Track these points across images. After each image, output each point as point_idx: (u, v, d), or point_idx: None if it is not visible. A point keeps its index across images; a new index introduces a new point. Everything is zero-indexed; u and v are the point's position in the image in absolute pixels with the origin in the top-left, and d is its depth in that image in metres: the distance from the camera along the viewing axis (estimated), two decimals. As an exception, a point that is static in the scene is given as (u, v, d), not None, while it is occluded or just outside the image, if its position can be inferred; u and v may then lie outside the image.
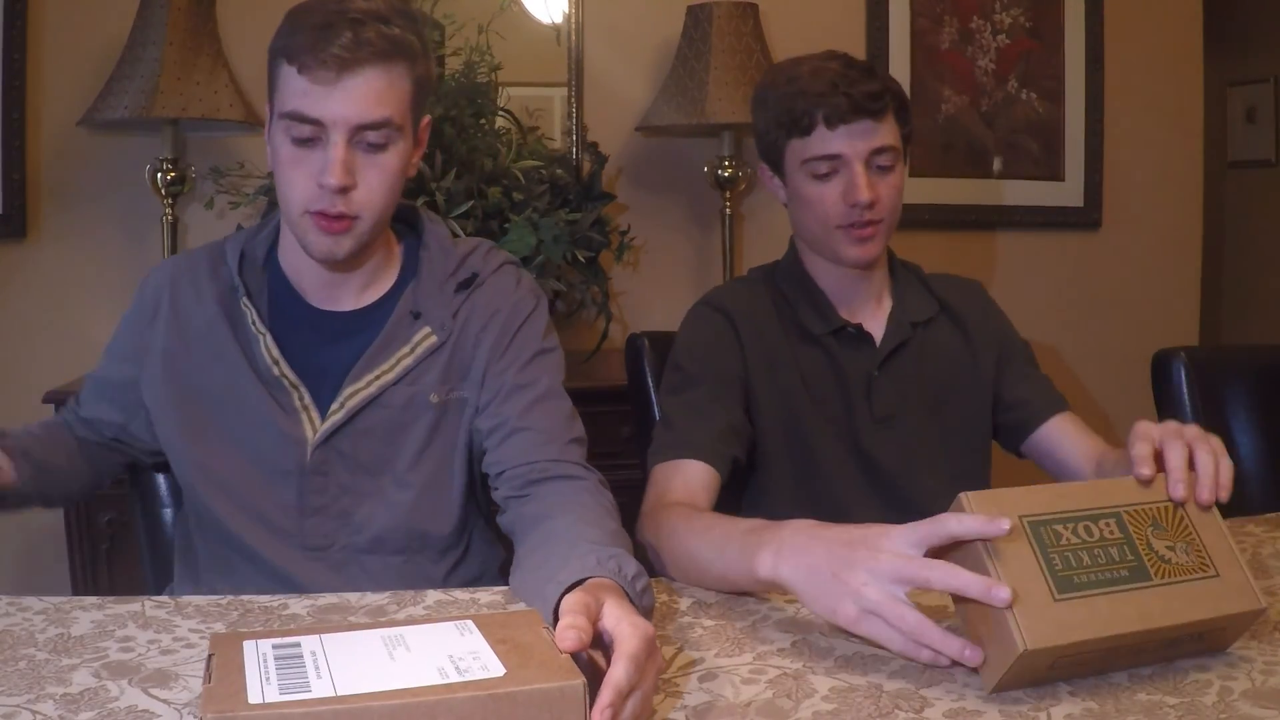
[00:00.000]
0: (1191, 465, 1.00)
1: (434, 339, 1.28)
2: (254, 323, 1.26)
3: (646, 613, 0.98)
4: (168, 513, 1.45)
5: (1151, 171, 3.04)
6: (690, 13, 2.56)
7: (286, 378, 1.25)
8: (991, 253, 2.94)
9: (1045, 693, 0.86)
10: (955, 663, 0.90)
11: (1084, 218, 3.00)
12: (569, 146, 2.62)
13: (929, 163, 2.87)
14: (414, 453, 1.27)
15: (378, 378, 1.26)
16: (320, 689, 0.73)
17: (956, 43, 2.88)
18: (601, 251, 2.43)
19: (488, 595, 1.09)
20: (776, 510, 1.44)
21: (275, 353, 1.25)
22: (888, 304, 1.54)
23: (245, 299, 1.27)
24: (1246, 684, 0.87)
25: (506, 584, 1.12)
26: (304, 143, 1.18)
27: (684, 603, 1.07)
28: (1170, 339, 2.09)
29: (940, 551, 0.91)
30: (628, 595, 0.93)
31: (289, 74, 1.17)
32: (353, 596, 1.10)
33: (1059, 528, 0.91)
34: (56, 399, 2.08)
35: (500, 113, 2.46)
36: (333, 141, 1.16)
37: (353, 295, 1.30)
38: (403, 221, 1.37)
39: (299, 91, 1.16)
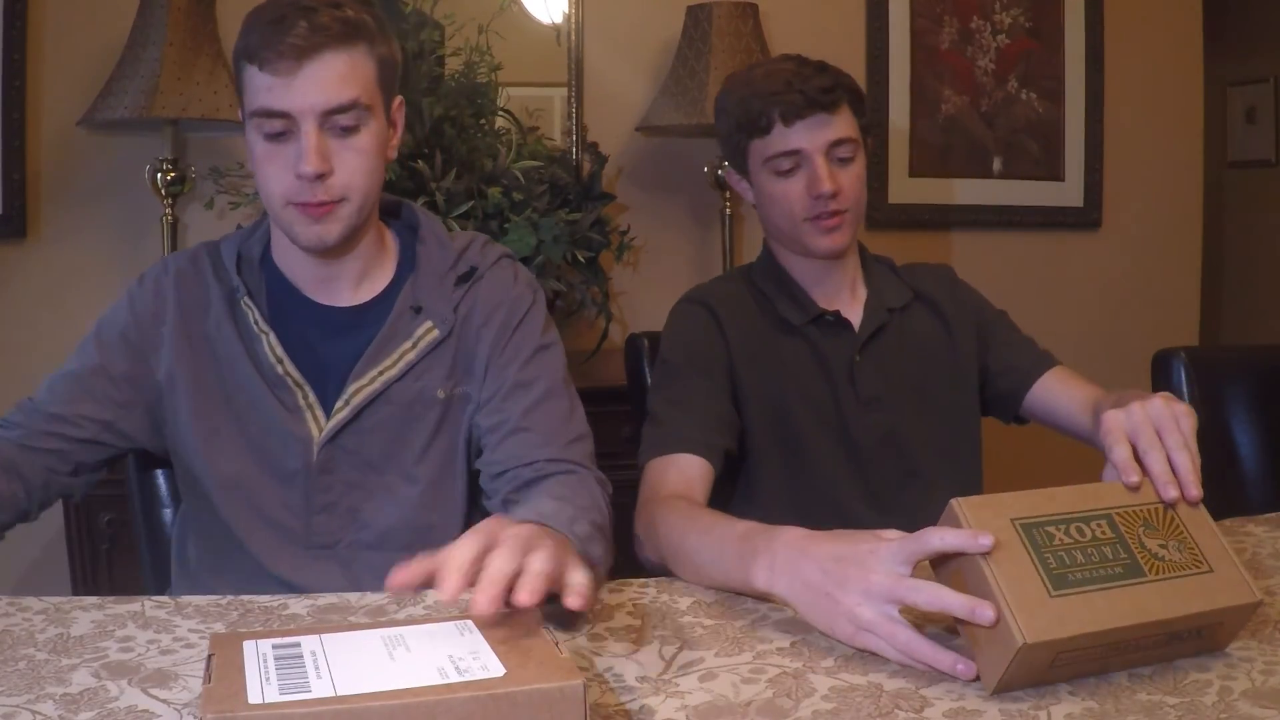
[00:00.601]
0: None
1: (436, 333, 1.28)
2: (256, 322, 1.26)
3: (594, 559, 1.06)
4: (168, 513, 1.45)
5: (1151, 171, 3.04)
6: (690, 13, 2.56)
7: (291, 376, 1.25)
8: (991, 253, 2.94)
9: (1045, 692, 0.86)
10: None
11: (1084, 218, 3.00)
12: (569, 146, 2.62)
13: (929, 163, 2.87)
14: (420, 448, 1.28)
15: (381, 373, 1.26)
16: (320, 689, 0.72)
17: (956, 43, 2.88)
18: (601, 251, 2.43)
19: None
20: (767, 498, 1.46)
21: (279, 351, 1.25)
22: (862, 293, 1.58)
23: (246, 298, 1.27)
24: (1246, 684, 0.87)
25: None
26: (276, 137, 1.19)
27: (684, 602, 1.07)
28: (1170, 339, 2.08)
29: (938, 557, 0.92)
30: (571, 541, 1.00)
31: (252, 73, 1.18)
32: (353, 596, 1.10)
33: (1051, 529, 0.92)
34: (56, 399, 2.08)
35: (500, 113, 2.46)
36: (304, 131, 1.17)
37: (350, 288, 1.30)
38: (393, 215, 1.38)
39: (263, 88, 1.17)
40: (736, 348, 1.49)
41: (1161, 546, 0.94)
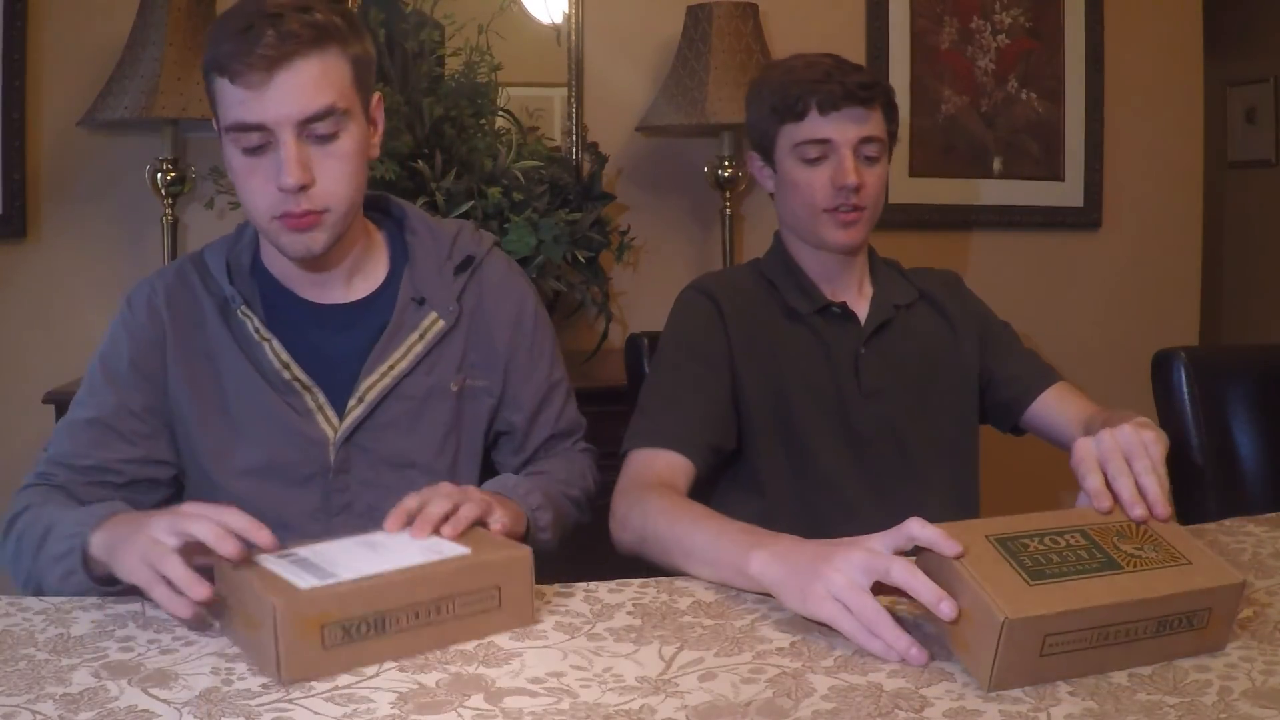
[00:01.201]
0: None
1: (441, 323, 1.29)
2: (256, 330, 1.25)
3: (540, 525, 1.23)
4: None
5: (1151, 171, 3.04)
6: (690, 13, 2.56)
7: (299, 380, 1.25)
8: (991, 253, 2.94)
9: (1045, 692, 0.86)
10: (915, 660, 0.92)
11: (1084, 218, 3.00)
12: (569, 146, 2.62)
13: (929, 163, 2.87)
14: (438, 441, 1.29)
15: (392, 367, 1.26)
16: (345, 575, 0.92)
17: (956, 43, 2.88)
18: (601, 251, 2.43)
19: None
20: (771, 488, 1.47)
21: (285, 356, 1.25)
22: (869, 290, 1.60)
23: (244, 307, 1.26)
24: (1246, 684, 0.87)
25: None
26: (254, 151, 1.16)
27: (684, 603, 1.07)
28: (1170, 339, 2.08)
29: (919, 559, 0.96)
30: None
31: (223, 86, 1.15)
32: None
33: (1025, 540, 0.95)
34: (56, 399, 2.08)
35: (500, 113, 2.46)
36: (282, 142, 1.14)
37: (343, 285, 1.29)
38: (375, 209, 1.37)
39: (236, 101, 1.14)
40: (738, 337, 1.50)
41: (1137, 549, 0.96)
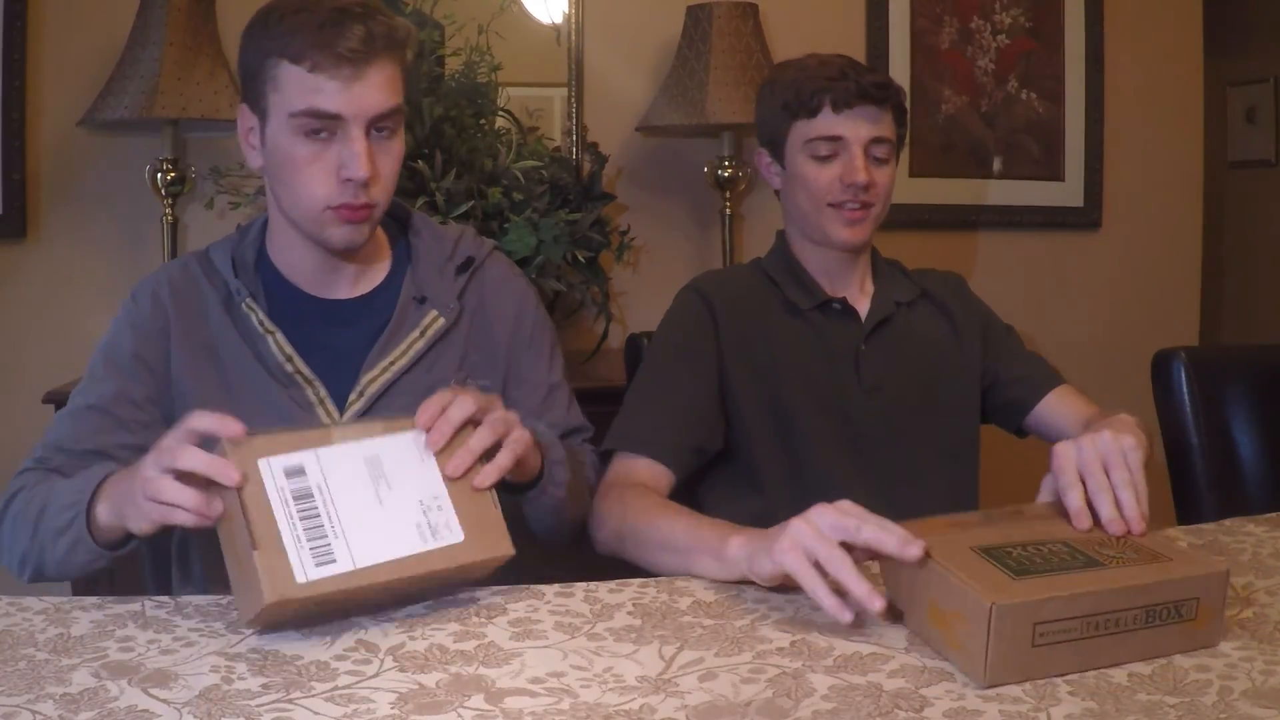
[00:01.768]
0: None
1: (441, 321, 1.30)
2: (261, 322, 1.26)
3: (557, 477, 1.23)
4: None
5: (1151, 171, 3.04)
6: (690, 13, 2.56)
7: (301, 373, 1.26)
8: (991, 253, 2.94)
9: (1045, 692, 0.86)
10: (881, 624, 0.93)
11: (1084, 218, 3.00)
12: (569, 146, 2.62)
13: (929, 163, 2.87)
14: None
15: (392, 363, 1.28)
16: (340, 554, 0.96)
17: (956, 43, 2.88)
18: (601, 251, 2.43)
19: (487, 595, 1.09)
20: (770, 485, 1.48)
21: (288, 349, 1.26)
22: (871, 287, 1.60)
23: (249, 299, 1.27)
24: (1246, 684, 0.87)
25: (507, 583, 1.12)
26: (317, 138, 1.19)
27: (684, 602, 1.07)
28: (1170, 339, 2.08)
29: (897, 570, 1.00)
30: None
31: (295, 73, 1.17)
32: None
33: (1009, 549, 0.97)
34: (56, 399, 2.07)
35: (500, 113, 2.46)
36: (352, 135, 1.18)
37: (351, 282, 1.31)
38: None
39: (312, 88, 1.17)
40: (731, 336, 1.51)
41: (1118, 554, 0.98)
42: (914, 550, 0.94)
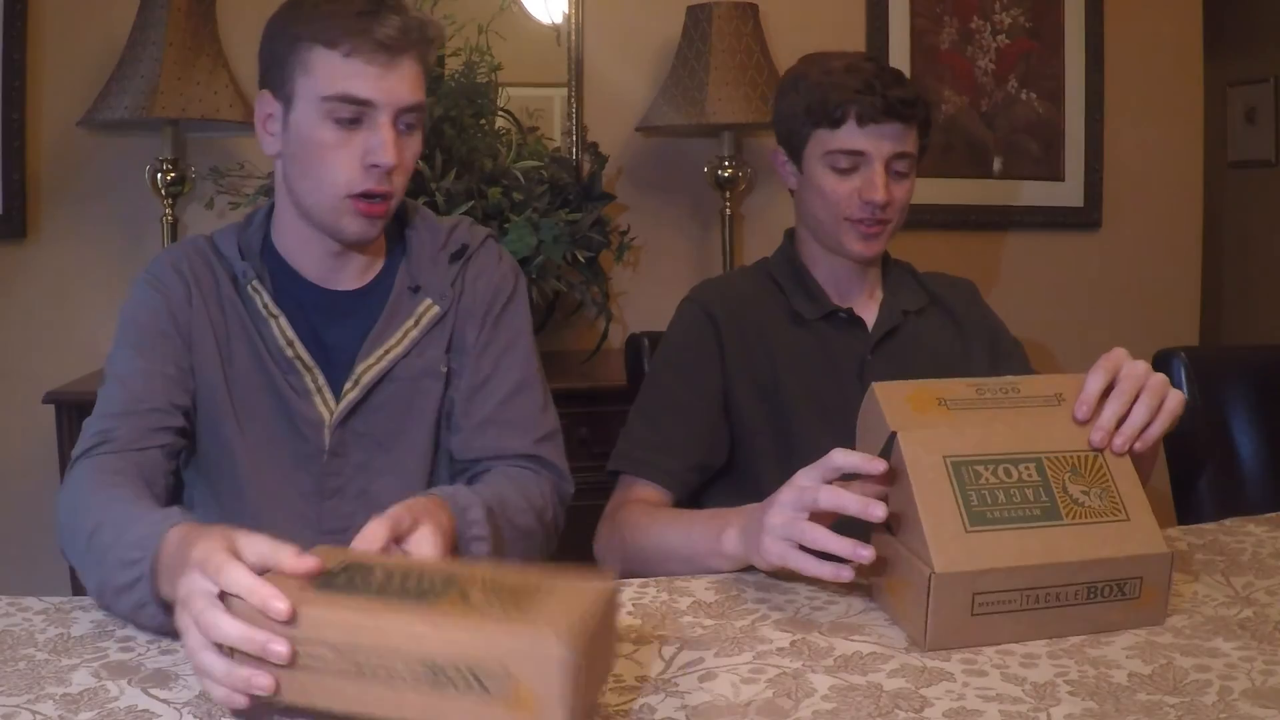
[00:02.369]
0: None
1: (436, 309, 1.31)
2: (266, 305, 1.27)
3: (471, 538, 1.11)
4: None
5: (1151, 171, 3.04)
6: (690, 13, 2.56)
7: (301, 359, 1.26)
8: (991, 253, 2.94)
9: (1045, 693, 0.86)
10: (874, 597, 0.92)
11: (1084, 218, 3.00)
12: (569, 146, 2.62)
13: (929, 163, 2.85)
14: (429, 422, 1.30)
15: (387, 352, 1.28)
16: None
17: (956, 43, 2.88)
18: (601, 251, 2.43)
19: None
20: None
21: (290, 333, 1.26)
22: (879, 295, 1.57)
23: (256, 282, 1.27)
24: (1246, 684, 0.87)
25: None
26: (344, 125, 1.19)
27: (684, 603, 1.07)
28: (1170, 339, 2.09)
29: (883, 482, 1.02)
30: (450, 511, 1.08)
31: (329, 58, 1.18)
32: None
33: (980, 468, 0.99)
34: (56, 399, 2.08)
35: (500, 113, 2.46)
36: (380, 123, 1.19)
37: (352, 275, 1.31)
38: None
39: (347, 74, 1.18)
40: (734, 349, 1.49)
41: (1084, 493, 0.99)
42: (877, 511, 0.97)
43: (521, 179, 2.30)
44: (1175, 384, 1.74)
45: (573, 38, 2.64)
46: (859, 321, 1.53)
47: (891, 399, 1.04)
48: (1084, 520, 0.97)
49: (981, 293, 1.67)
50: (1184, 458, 1.75)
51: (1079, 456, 1.02)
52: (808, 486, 1.04)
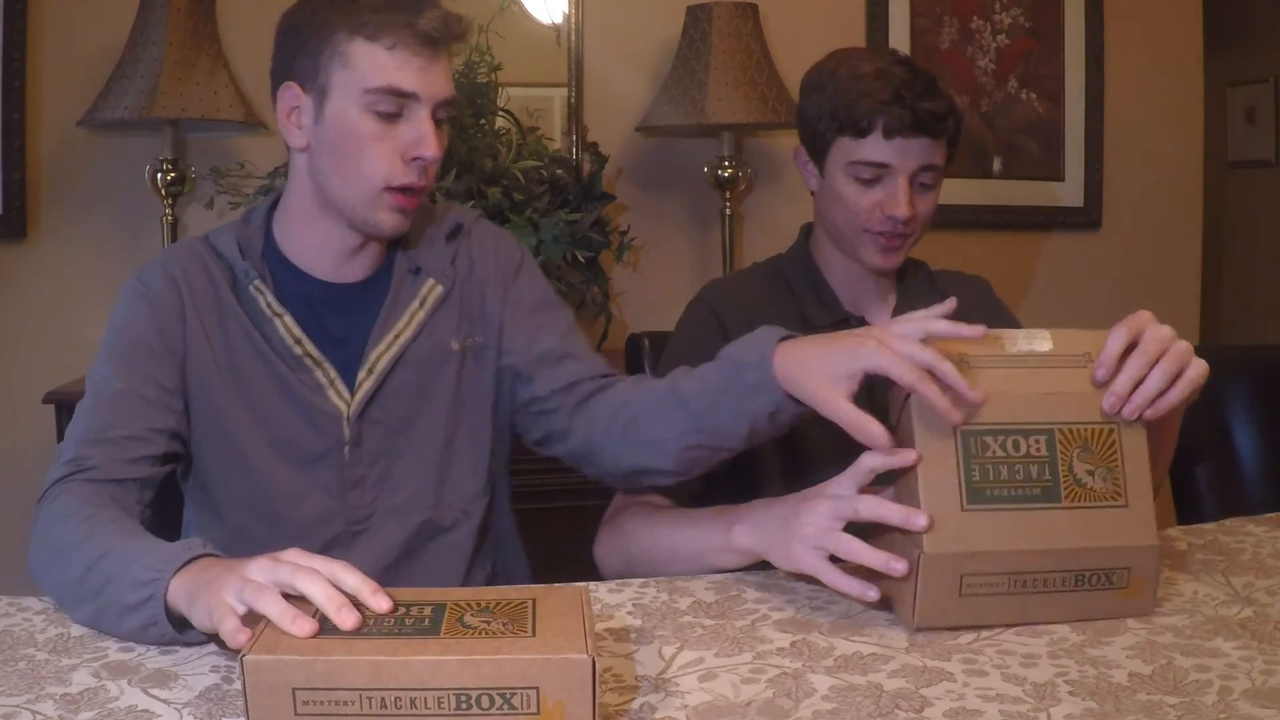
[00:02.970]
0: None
1: (440, 288, 1.32)
2: (269, 305, 1.26)
3: None
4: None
5: (1151, 171, 3.04)
6: (690, 13, 2.56)
7: (310, 355, 1.26)
8: (991, 253, 2.94)
9: (1045, 693, 0.86)
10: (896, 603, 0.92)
11: (1084, 218, 3.00)
12: (569, 146, 2.62)
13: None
14: (446, 403, 1.31)
15: (397, 336, 1.29)
16: None
17: (956, 43, 2.88)
18: (601, 251, 2.43)
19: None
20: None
21: (297, 331, 1.26)
22: (892, 300, 1.55)
23: (258, 282, 1.26)
24: (1246, 684, 0.87)
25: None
26: (385, 116, 1.20)
27: (684, 603, 1.07)
28: (1170, 339, 2.09)
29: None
30: None
31: (371, 51, 1.19)
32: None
33: (988, 439, 0.99)
34: (56, 399, 2.07)
35: (500, 113, 2.46)
36: (421, 115, 1.21)
37: (362, 267, 1.31)
38: None
39: (392, 66, 1.19)
40: None
41: (1089, 473, 1.00)
42: (920, 521, 0.96)
43: (521, 179, 2.30)
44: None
45: (573, 38, 2.64)
46: None
47: None
48: (1082, 504, 0.98)
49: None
50: (1184, 457, 1.75)
51: (1092, 430, 1.00)
52: (844, 496, 1.04)
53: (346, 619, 0.80)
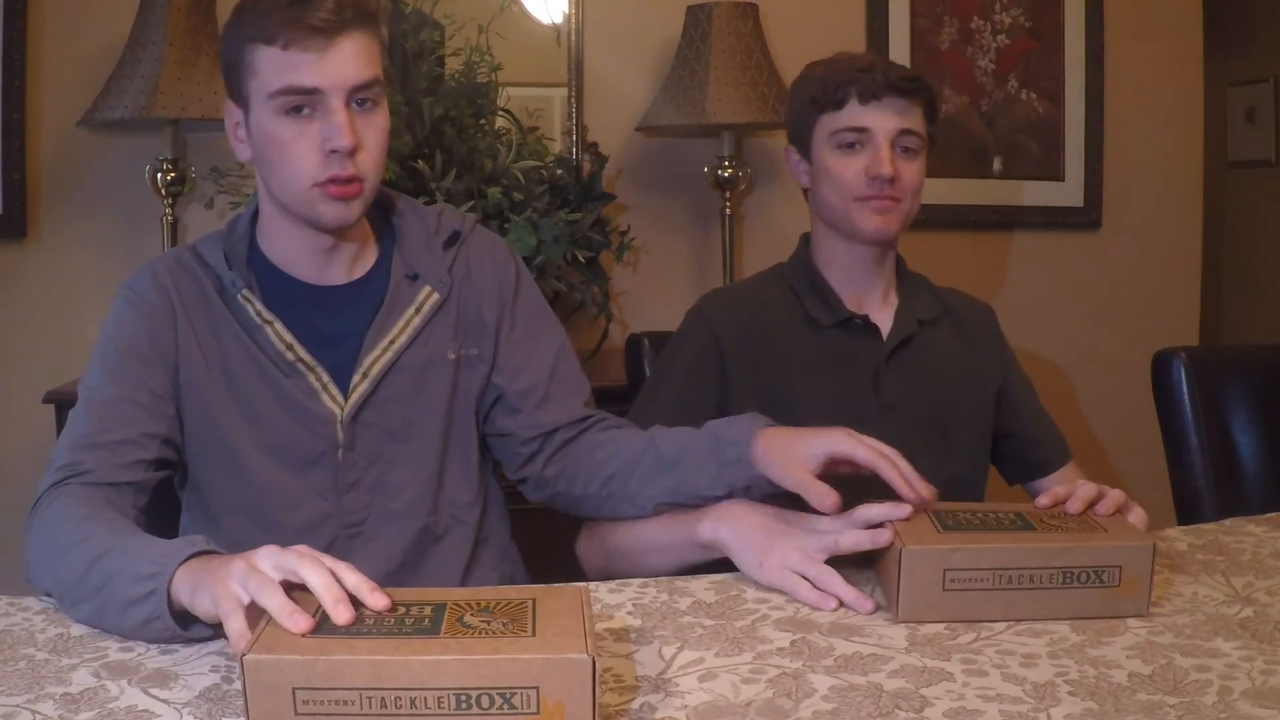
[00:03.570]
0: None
1: (436, 296, 1.32)
2: (258, 312, 1.26)
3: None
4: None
5: (1151, 171, 3.04)
6: (690, 13, 2.56)
7: (303, 360, 1.26)
8: (991, 253, 2.94)
9: (1045, 693, 0.86)
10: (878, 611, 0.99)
11: (1084, 218, 3.00)
12: (569, 146, 2.62)
13: (929, 163, 2.86)
14: (440, 410, 1.31)
15: (392, 342, 1.28)
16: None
17: (956, 43, 2.88)
18: (601, 251, 2.43)
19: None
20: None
21: (288, 337, 1.26)
22: (894, 301, 1.57)
23: (246, 290, 1.26)
24: (1246, 684, 0.87)
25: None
26: (298, 116, 1.19)
27: (684, 603, 1.07)
28: (1170, 339, 2.08)
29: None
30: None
31: (269, 54, 1.17)
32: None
33: (961, 514, 1.08)
34: (56, 399, 2.08)
35: (500, 113, 2.46)
36: (332, 107, 1.18)
37: (343, 267, 1.31)
38: None
39: (289, 66, 1.17)
40: (737, 368, 1.48)
41: (1059, 524, 1.06)
42: (884, 538, 1.06)
43: (521, 179, 2.30)
44: (1175, 384, 1.75)
45: (573, 38, 2.64)
46: (874, 329, 1.52)
47: None
48: (1057, 531, 1.04)
49: (982, 293, 1.67)
50: (1184, 457, 1.75)
51: (1056, 513, 1.10)
52: (828, 534, 1.11)
53: (342, 613, 0.82)
